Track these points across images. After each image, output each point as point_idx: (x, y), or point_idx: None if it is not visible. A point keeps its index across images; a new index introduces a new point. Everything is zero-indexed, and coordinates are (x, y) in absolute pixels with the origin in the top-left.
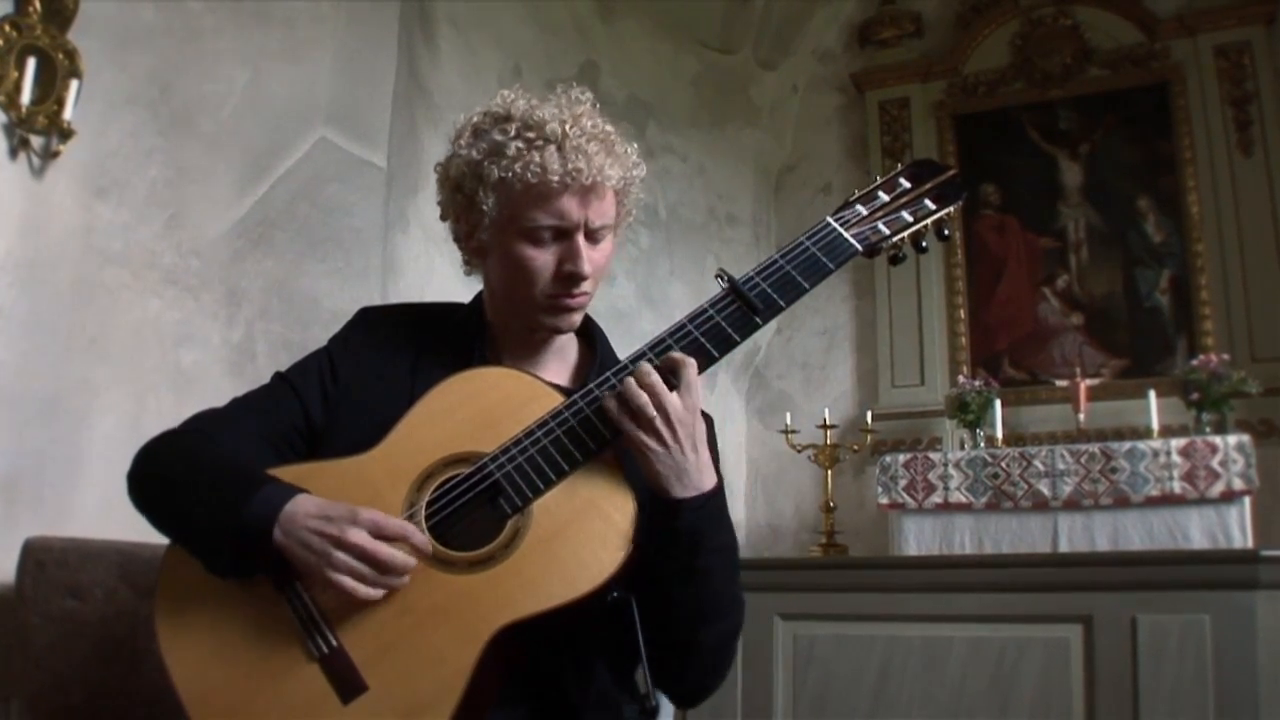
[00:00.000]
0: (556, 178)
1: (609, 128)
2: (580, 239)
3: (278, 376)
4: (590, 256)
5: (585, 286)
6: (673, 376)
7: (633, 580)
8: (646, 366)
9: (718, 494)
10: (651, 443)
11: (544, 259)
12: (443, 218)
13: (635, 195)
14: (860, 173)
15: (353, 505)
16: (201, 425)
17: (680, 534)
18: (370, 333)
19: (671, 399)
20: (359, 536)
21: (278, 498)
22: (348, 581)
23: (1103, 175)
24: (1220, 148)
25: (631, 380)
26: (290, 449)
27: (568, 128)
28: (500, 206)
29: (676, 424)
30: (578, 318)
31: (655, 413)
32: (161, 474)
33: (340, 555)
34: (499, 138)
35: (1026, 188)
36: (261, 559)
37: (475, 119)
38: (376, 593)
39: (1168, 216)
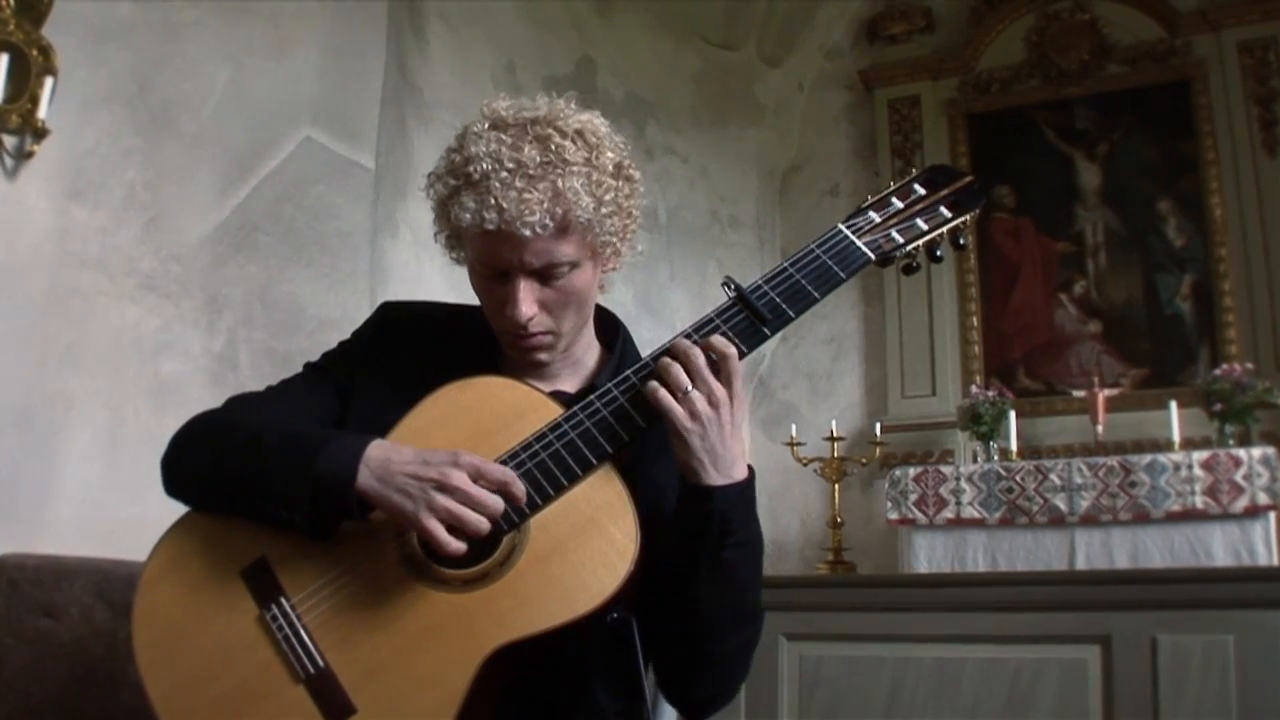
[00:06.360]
0: (477, 221)
1: (571, 152)
2: (521, 281)
3: (309, 366)
4: (540, 297)
5: (541, 325)
6: (715, 363)
7: (643, 591)
8: (688, 345)
9: (749, 484)
10: (689, 422)
11: (496, 295)
12: None
13: (616, 221)
14: (869, 174)
15: (450, 449)
16: (238, 407)
17: (711, 519)
18: (386, 331)
19: (714, 381)
20: (461, 480)
21: (353, 444)
22: (440, 532)
23: (1121, 177)
24: (1244, 148)
25: (673, 358)
26: None
27: (489, 166)
28: (456, 239)
29: (719, 405)
30: (546, 355)
31: (697, 391)
32: (211, 444)
33: (441, 498)
34: (440, 167)
35: (1042, 190)
36: (341, 507)
37: (460, 130)
38: (461, 546)
39: (1189, 219)
